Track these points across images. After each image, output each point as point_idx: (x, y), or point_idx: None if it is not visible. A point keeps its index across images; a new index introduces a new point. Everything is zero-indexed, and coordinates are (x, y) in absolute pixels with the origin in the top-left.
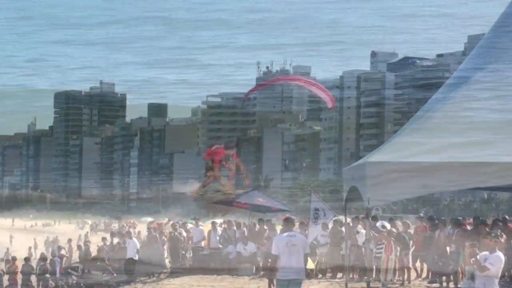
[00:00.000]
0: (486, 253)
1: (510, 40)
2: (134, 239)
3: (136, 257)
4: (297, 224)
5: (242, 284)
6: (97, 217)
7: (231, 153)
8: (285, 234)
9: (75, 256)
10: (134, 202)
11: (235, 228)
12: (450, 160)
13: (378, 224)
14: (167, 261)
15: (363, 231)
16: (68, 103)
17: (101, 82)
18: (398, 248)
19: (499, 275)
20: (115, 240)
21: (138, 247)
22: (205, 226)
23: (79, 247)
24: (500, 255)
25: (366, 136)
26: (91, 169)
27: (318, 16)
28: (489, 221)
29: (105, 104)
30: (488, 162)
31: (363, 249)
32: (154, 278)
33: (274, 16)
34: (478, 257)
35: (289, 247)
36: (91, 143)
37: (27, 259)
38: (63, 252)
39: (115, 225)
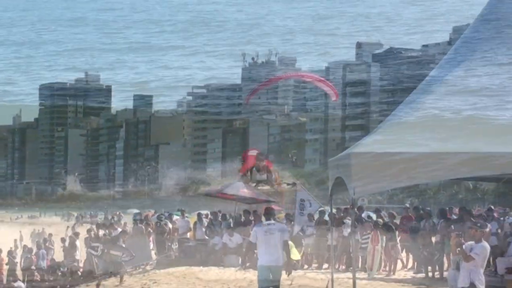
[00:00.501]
0: (471, 243)
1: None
2: (119, 229)
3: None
4: (282, 214)
5: (228, 275)
6: (83, 209)
7: (261, 164)
8: (265, 223)
9: (58, 249)
10: (120, 194)
11: (220, 219)
12: (435, 151)
13: (364, 214)
14: (153, 252)
15: (349, 222)
16: (53, 94)
17: (86, 74)
18: (384, 239)
19: (485, 265)
20: (101, 232)
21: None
22: (191, 218)
23: (62, 239)
24: (486, 245)
25: (352, 127)
26: (76, 160)
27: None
28: (475, 211)
29: (90, 96)
30: (474, 152)
31: (349, 239)
32: (140, 270)
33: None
34: (464, 247)
35: (267, 235)
36: (77, 134)
37: (10, 252)
38: (48, 244)
39: (100, 217)
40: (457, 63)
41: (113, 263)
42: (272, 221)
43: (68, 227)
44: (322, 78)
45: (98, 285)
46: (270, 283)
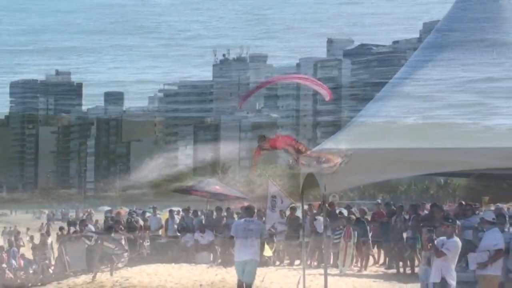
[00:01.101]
0: (443, 238)
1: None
2: (91, 226)
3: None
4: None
5: (200, 272)
6: (54, 206)
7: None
8: (243, 219)
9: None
10: (92, 191)
11: (192, 216)
12: (407, 146)
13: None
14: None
15: (321, 218)
16: (24, 92)
17: (57, 71)
18: (356, 235)
19: (456, 260)
20: (72, 230)
21: (95, 237)
22: (163, 215)
23: (32, 238)
24: (457, 240)
25: (323, 123)
26: (47, 158)
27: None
28: (446, 207)
29: (61, 93)
30: (445, 148)
31: (321, 236)
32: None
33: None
34: (435, 242)
35: (246, 231)
36: (47, 132)
37: None
38: (20, 242)
39: (72, 215)
40: (421, 65)
41: (105, 254)
42: (251, 219)
43: (42, 224)
44: (316, 80)
45: (94, 277)
46: (246, 277)
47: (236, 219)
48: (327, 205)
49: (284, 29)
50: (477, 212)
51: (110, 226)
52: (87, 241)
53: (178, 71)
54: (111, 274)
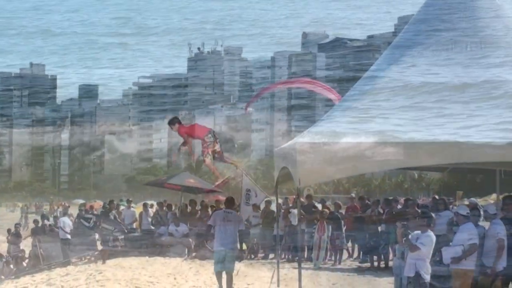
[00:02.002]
0: (418, 232)
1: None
2: (67, 218)
3: (69, 236)
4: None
5: (174, 265)
6: (29, 199)
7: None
8: (223, 210)
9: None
10: (66, 184)
11: (166, 209)
12: (381, 141)
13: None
14: (98, 243)
15: (295, 211)
16: None
17: (31, 64)
18: (331, 229)
19: (430, 254)
20: (46, 222)
21: (72, 227)
22: (137, 208)
23: (9, 230)
24: (431, 234)
25: (298, 117)
26: (22, 151)
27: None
28: (420, 201)
29: (35, 86)
30: (419, 142)
31: (295, 229)
32: (86, 260)
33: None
34: (410, 236)
35: (225, 222)
36: (21, 125)
37: None
38: None
39: (46, 208)
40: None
41: (104, 237)
42: (230, 210)
43: (22, 215)
44: (322, 84)
45: (103, 263)
46: (224, 266)
47: (210, 212)
48: (304, 197)
49: (259, 22)
50: (450, 206)
51: (106, 211)
52: (85, 223)
53: (153, 65)
54: (104, 262)
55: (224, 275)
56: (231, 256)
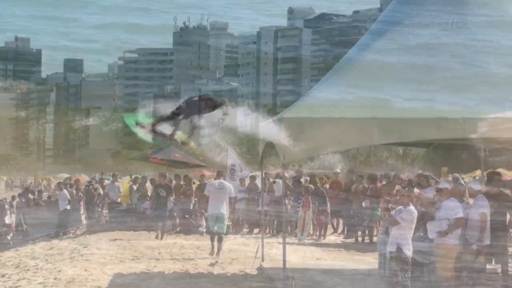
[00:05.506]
0: (400, 207)
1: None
2: (65, 190)
3: (69, 207)
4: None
5: (158, 239)
6: (13, 173)
7: None
8: (216, 181)
9: None
10: (51, 159)
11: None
12: (366, 116)
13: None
14: (83, 217)
15: (280, 181)
16: None
17: (16, 38)
18: (316, 204)
19: (412, 229)
20: (31, 196)
21: (69, 198)
22: (122, 182)
23: None
24: (412, 209)
25: (283, 92)
26: (6, 124)
27: None
28: (404, 177)
29: (20, 60)
30: (405, 118)
31: (280, 204)
32: (70, 234)
33: None
34: (393, 212)
35: (218, 190)
36: (6, 98)
37: None
38: None
39: (31, 181)
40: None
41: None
42: (222, 180)
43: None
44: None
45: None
46: (218, 228)
47: (194, 188)
48: (294, 172)
49: None
50: (433, 182)
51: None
52: (118, 206)
53: (138, 39)
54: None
55: (216, 237)
56: (222, 219)
